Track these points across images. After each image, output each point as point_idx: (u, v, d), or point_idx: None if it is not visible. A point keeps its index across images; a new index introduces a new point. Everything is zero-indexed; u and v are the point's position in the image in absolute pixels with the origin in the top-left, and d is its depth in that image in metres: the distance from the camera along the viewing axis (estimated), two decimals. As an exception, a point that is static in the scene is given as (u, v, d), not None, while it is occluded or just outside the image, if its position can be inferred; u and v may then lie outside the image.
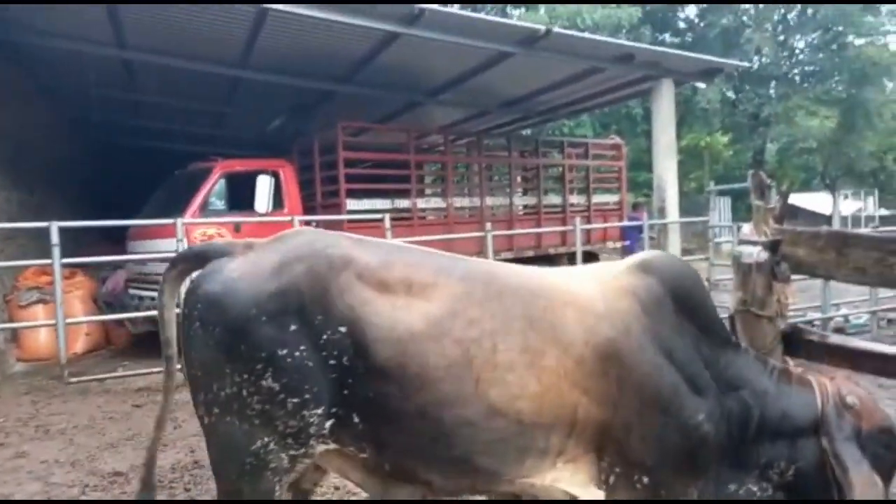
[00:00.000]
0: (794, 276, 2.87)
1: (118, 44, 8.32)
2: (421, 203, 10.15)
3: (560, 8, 20.99)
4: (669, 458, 2.01)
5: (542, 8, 21.58)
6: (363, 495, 3.02)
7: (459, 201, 10.77)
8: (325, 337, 1.89)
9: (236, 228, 7.82)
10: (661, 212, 10.44)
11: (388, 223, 7.77)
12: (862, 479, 1.99)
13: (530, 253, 10.62)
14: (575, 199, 12.04)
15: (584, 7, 20.59)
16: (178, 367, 2.19)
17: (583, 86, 11.03)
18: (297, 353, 1.87)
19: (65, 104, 11.48)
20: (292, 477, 2.02)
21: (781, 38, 26.12)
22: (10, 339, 7.54)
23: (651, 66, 9.98)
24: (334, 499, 3.52)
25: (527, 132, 16.00)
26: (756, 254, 2.78)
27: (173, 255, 3.03)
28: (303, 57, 8.87)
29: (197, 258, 2.16)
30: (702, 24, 26.91)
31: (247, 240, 2.18)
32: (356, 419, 1.93)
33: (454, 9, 11.00)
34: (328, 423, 1.93)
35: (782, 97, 25.64)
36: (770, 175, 3.65)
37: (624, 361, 2.01)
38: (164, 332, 2.18)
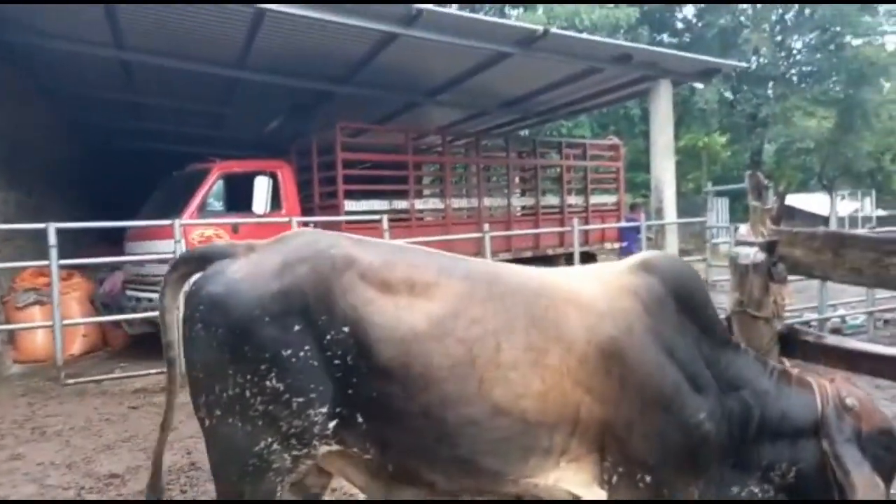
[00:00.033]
0: (790, 277, 2.86)
1: (116, 45, 8.32)
2: (419, 204, 10.16)
3: (558, 8, 21.00)
4: (671, 457, 2.01)
5: (540, 8, 21.58)
6: (362, 497, 3.01)
7: (457, 202, 10.76)
8: (328, 337, 1.89)
9: (234, 229, 7.82)
10: (659, 212, 10.46)
11: (385, 224, 7.77)
12: (864, 480, 1.99)
13: (528, 254, 10.61)
14: (573, 199, 12.05)
15: (582, 7, 20.61)
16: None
17: (581, 86, 11.04)
18: (301, 354, 1.88)
19: (63, 105, 11.45)
20: (294, 477, 2.02)
21: (779, 38, 26.19)
22: (6, 340, 7.51)
23: (649, 67, 10.00)
24: (334, 499, 3.52)
25: (525, 133, 16.01)
26: (753, 254, 2.79)
27: (171, 256, 3.02)
28: (300, 57, 8.86)
29: (199, 260, 2.15)
30: (699, 25, 26.99)
31: (248, 241, 2.18)
32: (360, 419, 1.93)
33: (452, 9, 11.00)
34: (332, 424, 1.93)
35: (780, 97, 25.72)
36: (767, 176, 3.67)
37: (626, 360, 2.02)
38: (165, 335, 2.18)
